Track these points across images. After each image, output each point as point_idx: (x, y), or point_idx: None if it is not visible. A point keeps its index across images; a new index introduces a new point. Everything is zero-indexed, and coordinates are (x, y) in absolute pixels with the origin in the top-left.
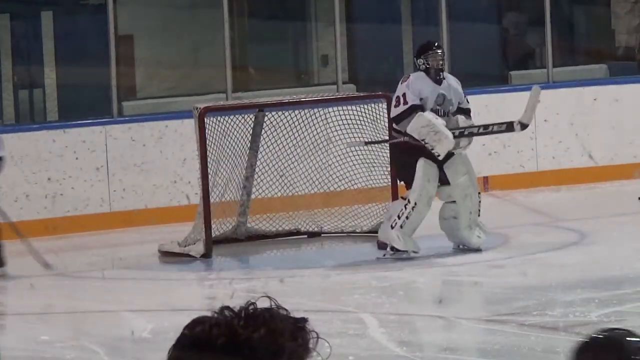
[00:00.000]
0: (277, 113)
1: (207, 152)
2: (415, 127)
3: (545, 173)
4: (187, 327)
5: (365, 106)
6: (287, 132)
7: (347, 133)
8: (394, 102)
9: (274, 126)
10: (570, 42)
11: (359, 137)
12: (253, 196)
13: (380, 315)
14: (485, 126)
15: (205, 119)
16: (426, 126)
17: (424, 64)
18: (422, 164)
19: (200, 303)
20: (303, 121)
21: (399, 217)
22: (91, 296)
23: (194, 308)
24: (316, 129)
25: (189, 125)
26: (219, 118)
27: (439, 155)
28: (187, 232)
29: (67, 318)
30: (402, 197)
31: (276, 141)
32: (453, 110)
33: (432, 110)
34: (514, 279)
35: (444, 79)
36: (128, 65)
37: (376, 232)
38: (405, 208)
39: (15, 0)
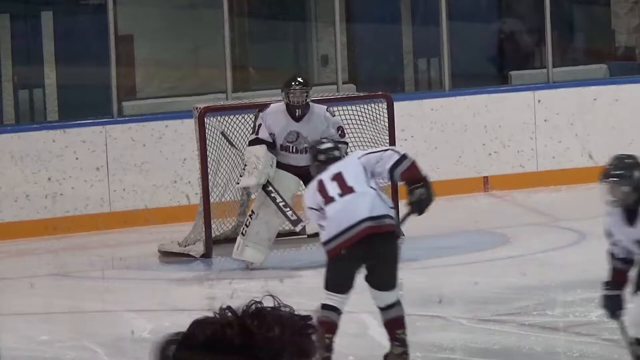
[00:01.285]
0: None
1: (207, 152)
2: (252, 150)
3: (545, 173)
4: (195, 328)
5: (365, 106)
6: None
7: (347, 133)
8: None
9: None
10: (570, 42)
11: (358, 137)
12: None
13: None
14: (285, 205)
15: (205, 119)
16: (258, 157)
17: (284, 98)
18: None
19: (200, 303)
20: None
21: (246, 225)
22: (91, 296)
23: (194, 308)
24: None
25: (189, 125)
26: (219, 118)
27: (237, 183)
28: (187, 232)
29: (67, 318)
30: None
31: None
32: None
33: (282, 146)
34: (513, 279)
35: (305, 115)
36: (128, 65)
37: None
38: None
39: (15, 0)
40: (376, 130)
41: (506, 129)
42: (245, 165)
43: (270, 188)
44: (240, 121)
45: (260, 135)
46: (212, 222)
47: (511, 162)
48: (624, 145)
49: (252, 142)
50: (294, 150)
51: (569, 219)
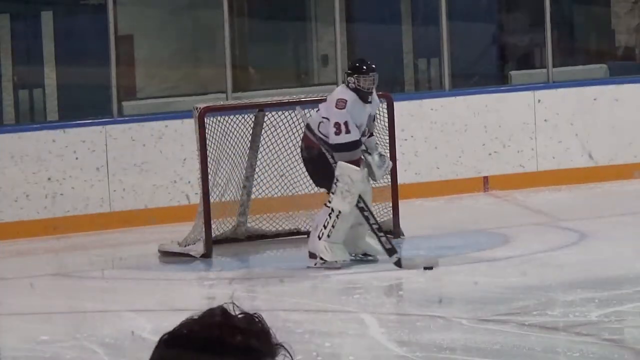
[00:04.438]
0: (277, 113)
1: (207, 152)
2: (348, 170)
3: (545, 173)
4: (192, 328)
5: None
6: (287, 132)
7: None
8: (333, 129)
9: (274, 126)
10: (570, 42)
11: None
12: (253, 196)
13: (380, 315)
14: (379, 229)
15: (205, 119)
16: (354, 180)
17: (354, 83)
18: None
19: (200, 303)
20: (303, 121)
21: (324, 227)
22: (91, 296)
23: (194, 308)
24: None
25: (189, 125)
26: (219, 118)
27: (329, 202)
28: (187, 232)
29: (67, 318)
30: (325, 205)
31: (276, 141)
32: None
33: (364, 133)
34: (514, 279)
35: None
36: (128, 65)
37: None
38: (330, 217)
39: (15, 0)
40: (376, 130)
41: (506, 129)
42: (337, 181)
43: (363, 205)
44: (240, 121)
45: (354, 135)
46: (212, 222)
47: (511, 162)
48: (624, 145)
49: (349, 145)
50: (367, 133)
51: (569, 219)
